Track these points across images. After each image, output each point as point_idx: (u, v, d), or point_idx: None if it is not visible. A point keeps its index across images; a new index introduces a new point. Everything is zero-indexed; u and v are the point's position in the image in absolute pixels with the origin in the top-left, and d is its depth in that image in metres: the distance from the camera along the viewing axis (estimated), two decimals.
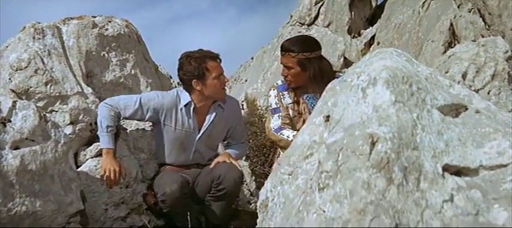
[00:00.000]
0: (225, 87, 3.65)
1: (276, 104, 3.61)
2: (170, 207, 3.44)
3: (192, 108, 3.61)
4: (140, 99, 3.62)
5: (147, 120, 3.77)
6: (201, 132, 3.68)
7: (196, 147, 3.71)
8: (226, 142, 3.96)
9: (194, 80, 3.52)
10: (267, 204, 2.02)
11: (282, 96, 3.57)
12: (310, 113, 3.41)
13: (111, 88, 4.69)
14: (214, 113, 3.67)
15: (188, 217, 3.39)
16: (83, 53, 4.53)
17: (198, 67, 3.50)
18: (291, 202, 1.82)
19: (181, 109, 3.61)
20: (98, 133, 3.64)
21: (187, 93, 3.62)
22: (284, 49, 3.44)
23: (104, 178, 3.37)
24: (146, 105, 3.59)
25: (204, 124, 3.67)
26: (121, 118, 3.67)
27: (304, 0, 11.66)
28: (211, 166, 3.61)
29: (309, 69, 3.37)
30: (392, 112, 1.67)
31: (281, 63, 3.49)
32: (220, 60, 3.61)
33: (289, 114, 3.54)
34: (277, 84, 3.65)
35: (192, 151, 3.73)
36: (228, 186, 3.44)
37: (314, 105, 3.42)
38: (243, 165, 4.13)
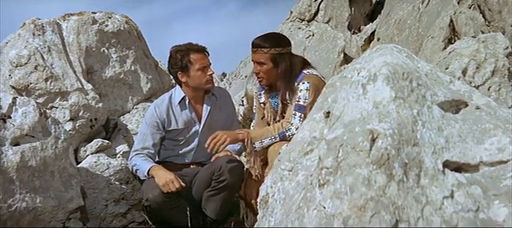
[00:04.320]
0: (211, 79, 3.70)
1: (254, 108, 3.75)
2: (156, 210, 3.50)
3: (187, 102, 3.68)
4: (147, 125, 3.70)
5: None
6: (202, 123, 3.73)
7: (199, 139, 3.74)
8: None
9: (179, 72, 3.63)
10: (267, 200, 2.02)
11: (258, 96, 3.66)
12: (274, 112, 3.47)
13: (111, 84, 4.69)
14: (209, 103, 3.76)
15: (188, 213, 3.40)
16: (82, 49, 4.53)
17: (181, 59, 3.60)
18: (291, 198, 1.82)
19: (176, 106, 3.67)
20: (141, 178, 3.62)
21: (180, 90, 3.70)
22: (255, 45, 3.45)
23: (168, 191, 3.36)
24: (154, 122, 3.67)
25: (203, 114, 3.74)
26: (155, 155, 3.74)
27: None
28: (212, 160, 3.63)
29: (280, 65, 3.38)
30: (393, 108, 1.67)
31: (253, 60, 3.50)
32: (208, 53, 3.70)
33: (264, 112, 3.61)
34: (259, 85, 3.73)
35: (196, 146, 3.75)
36: (229, 178, 3.46)
37: (276, 103, 3.46)
38: (243, 161, 4.14)
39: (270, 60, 3.38)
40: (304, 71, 3.40)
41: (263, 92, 3.62)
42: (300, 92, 3.29)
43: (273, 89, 3.52)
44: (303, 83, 3.30)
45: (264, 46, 3.40)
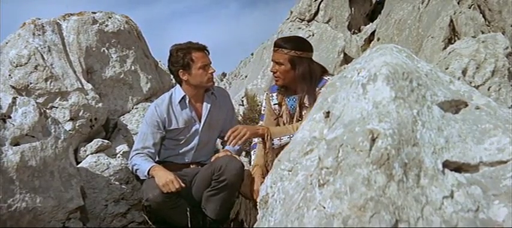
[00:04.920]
0: (212, 77, 3.73)
1: (263, 109, 3.75)
2: (157, 210, 3.50)
3: (187, 101, 3.69)
4: (147, 125, 3.71)
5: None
6: (202, 121, 3.74)
7: (200, 138, 3.75)
8: (222, 136, 3.97)
9: (180, 71, 3.65)
10: (267, 200, 2.02)
11: (270, 98, 3.67)
12: (290, 114, 3.48)
13: (111, 84, 4.69)
14: (209, 102, 3.79)
15: (188, 214, 3.40)
16: (83, 49, 4.53)
17: (183, 57, 3.63)
18: (291, 198, 1.82)
19: (176, 106, 3.68)
20: (141, 178, 3.62)
21: (180, 89, 3.71)
22: (277, 45, 3.50)
23: (168, 191, 3.37)
24: (154, 122, 3.69)
25: (203, 113, 3.76)
26: (155, 154, 3.75)
27: None
28: (212, 160, 3.64)
29: (298, 68, 3.41)
30: (393, 108, 1.67)
31: (272, 59, 3.53)
32: (208, 52, 3.73)
33: (276, 115, 3.62)
34: (270, 86, 3.73)
35: (196, 145, 3.76)
36: (229, 177, 3.46)
37: (293, 106, 3.46)
38: (244, 161, 4.14)
39: (288, 62, 3.42)
40: (325, 77, 3.45)
41: (276, 94, 3.63)
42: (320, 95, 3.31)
43: (289, 91, 3.53)
44: None
45: (284, 47, 3.44)
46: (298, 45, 3.47)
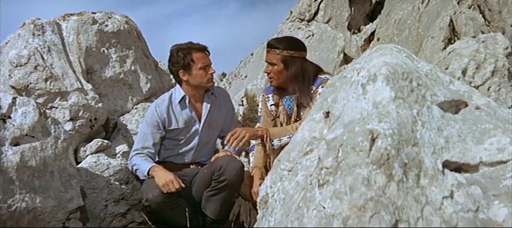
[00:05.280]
0: (212, 77, 3.73)
1: (259, 111, 3.75)
2: (156, 210, 3.51)
3: (187, 101, 3.69)
4: (147, 125, 3.71)
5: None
6: (202, 121, 3.74)
7: (199, 138, 3.76)
8: (222, 136, 3.98)
9: (181, 71, 3.65)
10: (266, 201, 2.02)
11: (266, 99, 3.67)
12: (287, 115, 3.47)
13: (111, 84, 4.69)
14: (209, 102, 3.79)
15: (186, 214, 3.40)
16: (82, 49, 4.53)
17: (183, 58, 3.63)
18: (291, 198, 1.82)
19: (176, 106, 3.68)
20: (141, 178, 3.63)
21: (180, 89, 3.71)
22: (269, 46, 3.51)
23: (168, 191, 3.37)
24: (154, 122, 3.69)
25: (203, 113, 3.77)
26: (155, 154, 3.75)
27: None
28: (212, 160, 3.64)
29: (291, 67, 3.41)
30: (392, 108, 1.67)
31: (266, 60, 3.53)
32: (209, 53, 3.73)
33: (273, 116, 3.62)
34: (266, 87, 3.73)
35: (196, 145, 3.77)
36: (229, 177, 3.46)
37: (290, 107, 3.46)
38: (243, 161, 4.14)
39: (281, 62, 3.42)
40: (321, 76, 3.44)
41: (271, 95, 3.63)
42: (319, 95, 3.30)
43: (285, 91, 3.53)
44: (322, 87, 3.31)
45: (276, 47, 3.44)
46: (291, 45, 3.47)
